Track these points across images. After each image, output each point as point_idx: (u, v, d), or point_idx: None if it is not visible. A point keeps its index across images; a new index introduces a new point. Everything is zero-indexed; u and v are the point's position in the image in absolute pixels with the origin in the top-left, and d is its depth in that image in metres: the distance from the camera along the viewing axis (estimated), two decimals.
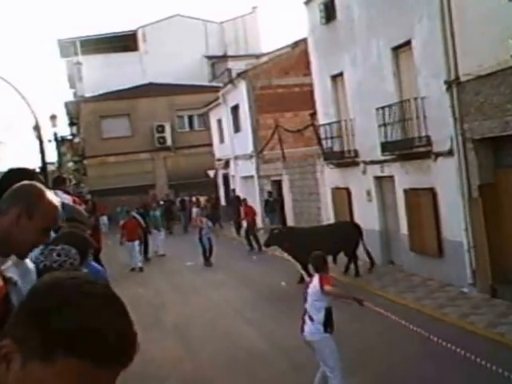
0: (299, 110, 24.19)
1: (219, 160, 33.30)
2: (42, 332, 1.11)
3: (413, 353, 9.07)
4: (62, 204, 3.10)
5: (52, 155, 41.39)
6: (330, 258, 15.68)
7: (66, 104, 43.94)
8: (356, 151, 16.91)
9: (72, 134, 47.28)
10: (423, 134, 13.53)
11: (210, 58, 43.79)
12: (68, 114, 45.39)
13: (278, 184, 25.17)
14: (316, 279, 7.37)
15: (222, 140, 32.69)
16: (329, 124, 18.03)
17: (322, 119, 19.08)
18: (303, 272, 13.78)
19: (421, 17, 13.21)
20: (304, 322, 7.30)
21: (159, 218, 23.53)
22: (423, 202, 13.99)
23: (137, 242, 20.10)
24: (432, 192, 13.62)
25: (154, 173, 39.33)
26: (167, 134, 38.98)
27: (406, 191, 14.71)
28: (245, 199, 24.56)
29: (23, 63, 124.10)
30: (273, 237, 15.76)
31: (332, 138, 17.88)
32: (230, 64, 38.52)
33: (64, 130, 46.31)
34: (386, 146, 14.72)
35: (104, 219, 29.80)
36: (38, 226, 2.35)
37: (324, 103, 18.92)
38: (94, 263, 4.59)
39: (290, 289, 13.88)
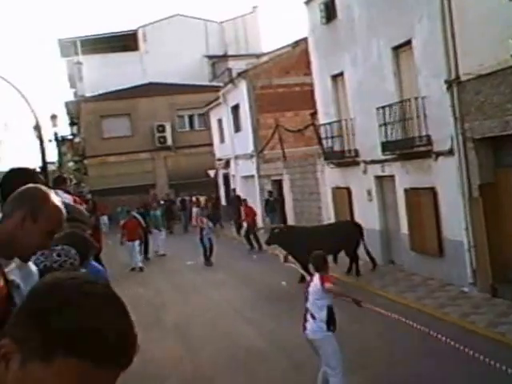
0: (300, 109, 24.18)
1: (220, 160, 33.30)
2: (42, 332, 1.10)
3: (413, 352, 9.08)
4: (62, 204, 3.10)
5: (52, 155, 41.47)
6: (330, 258, 15.75)
7: (67, 104, 43.96)
8: (356, 151, 16.92)
9: (72, 134, 47.30)
10: (424, 133, 13.53)
11: (210, 57, 43.79)
12: (68, 113, 45.41)
13: (278, 184, 25.17)
14: (317, 278, 7.40)
15: (222, 140, 32.69)
16: (329, 124, 18.03)
17: (322, 119, 19.09)
18: (302, 271, 13.78)
19: (421, 16, 13.21)
20: (306, 320, 7.30)
21: (160, 217, 23.55)
22: (424, 201, 14.00)
23: (137, 242, 20.12)
24: (432, 191, 13.62)
25: (155, 172, 39.34)
26: (168, 133, 38.98)
27: (406, 191, 14.71)
28: (245, 200, 24.56)
29: (24, 63, 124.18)
30: (274, 236, 15.85)
31: (332, 137, 17.89)
32: (231, 64, 38.53)
33: (64, 129, 46.40)
34: (386, 146, 14.72)
35: (104, 219, 29.81)
36: (42, 230, 2.34)
37: (324, 103, 18.92)
38: (94, 263, 4.60)
39: (291, 288, 13.88)
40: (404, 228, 15.07)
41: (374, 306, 9.70)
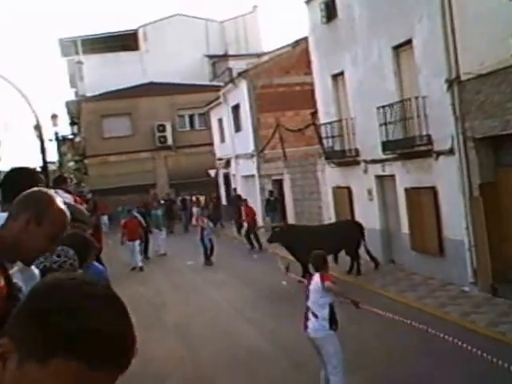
0: (300, 109, 24.17)
1: (220, 159, 33.30)
2: (40, 332, 1.10)
3: (412, 352, 9.08)
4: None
5: (53, 154, 41.53)
6: (330, 257, 15.75)
7: (67, 103, 43.97)
8: (357, 150, 16.92)
9: (73, 134, 47.31)
10: (424, 132, 13.53)
11: (210, 57, 43.78)
12: (69, 113, 45.41)
13: (278, 183, 25.18)
14: (317, 277, 7.43)
15: (222, 139, 32.69)
16: (330, 123, 18.03)
17: (322, 118, 19.09)
18: (302, 279, 13.74)
19: (421, 16, 13.21)
20: (307, 319, 7.31)
21: (160, 217, 23.58)
22: (424, 200, 13.99)
23: (137, 242, 20.18)
24: (433, 191, 13.62)
25: (155, 172, 39.35)
26: (168, 133, 38.99)
27: (406, 190, 14.71)
28: (245, 200, 24.57)
29: (24, 62, 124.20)
30: (275, 234, 15.99)
31: (333, 137, 17.89)
32: (231, 63, 38.51)
33: (65, 129, 46.42)
34: (386, 145, 14.72)
35: (104, 219, 29.80)
36: (46, 233, 2.33)
37: (325, 102, 18.92)
38: (95, 263, 4.61)
39: (291, 288, 13.87)
40: (404, 227, 15.07)
41: (373, 307, 9.72)
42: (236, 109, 28.94)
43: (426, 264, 14.17)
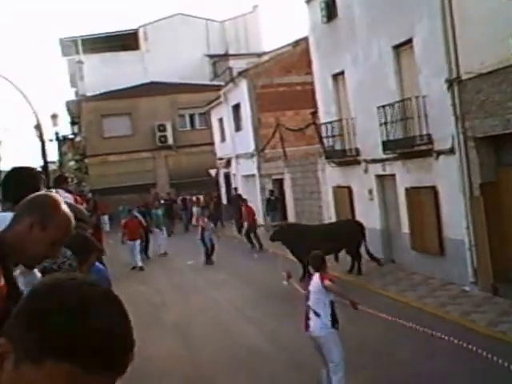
0: (300, 108, 24.17)
1: (220, 159, 33.31)
2: (37, 333, 1.08)
3: (412, 352, 9.06)
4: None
5: (53, 154, 41.53)
6: (331, 257, 15.75)
7: (68, 103, 43.96)
8: (357, 150, 16.91)
9: (73, 133, 47.28)
10: (424, 132, 13.52)
11: (211, 56, 43.77)
12: (69, 112, 45.41)
13: (279, 183, 25.18)
14: (316, 277, 7.47)
15: (223, 139, 32.69)
16: (330, 123, 18.03)
17: (323, 118, 19.09)
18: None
19: (422, 15, 13.21)
20: (308, 318, 7.33)
21: (161, 216, 23.60)
22: (425, 200, 13.99)
23: (138, 242, 20.25)
24: (433, 190, 13.62)
25: (155, 172, 39.36)
26: (168, 132, 38.99)
27: (407, 190, 14.71)
28: (245, 199, 24.58)
29: (24, 62, 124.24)
30: (276, 232, 16.17)
31: (333, 136, 17.89)
32: (232, 63, 38.49)
33: (65, 129, 46.36)
34: (387, 145, 14.72)
35: (105, 219, 29.79)
36: (50, 238, 2.32)
37: (325, 102, 18.92)
38: (96, 263, 4.60)
39: (292, 287, 13.87)
40: (405, 227, 15.06)
41: (373, 307, 9.74)
42: (236, 108, 28.94)
43: (426, 263, 14.16)
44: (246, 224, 23.36)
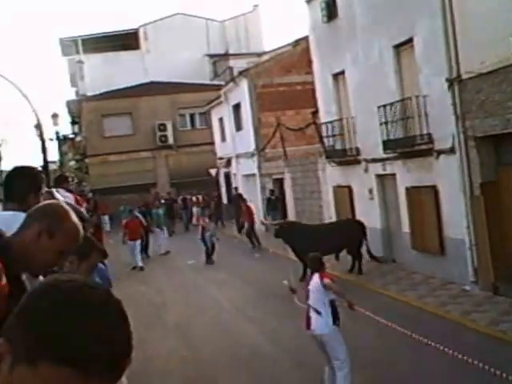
0: (301, 108, 24.17)
1: (221, 158, 33.31)
2: (35, 335, 1.06)
3: (412, 352, 9.07)
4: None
5: (54, 154, 41.51)
6: (332, 256, 15.75)
7: (68, 103, 43.95)
8: (358, 149, 16.91)
9: (74, 133, 47.28)
10: (425, 131, 13.52)
11: (211, 56, 43.76)
12: (70, 112, 45.40)
13: (279, 182, 25.18)
14: (316, 277, 7.51)
15: (223, 138, 32.69)
16: (330, 122, 18.03)
17: (323, 117, 19.08)
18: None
19: (422, 15, 13.20)
20: (309, 317, 7.35)
21: (162, 216, 23.62)
22: (425, 199, 13.99)
23: (138, 242, 20.28)
24: (434, 190, 13.62)
25: (156, 171, 39.35)
26: (169, 132, 38.99)
27: (407, 189, 14.71)
28: (245, 199, 24.59)
29: (25, 62, 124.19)
30: (278, 230, 16.20)
31: (334, 136, 17.89)
32: (232, 62, 38.49)
33: (66, 128, 46.39)
34: (387, 144, 14.72)
35: (105, 218, 29.79)
36: (57, 246, 2.31)
37: (326, 101, 18.92)
38: None
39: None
40: (405, 226, 15.06)
41: (373, 306, 9.74)
42: (237, 108, 28.94)
43: (426, 263, 14.16)
44: (246, 224, 23.37)
